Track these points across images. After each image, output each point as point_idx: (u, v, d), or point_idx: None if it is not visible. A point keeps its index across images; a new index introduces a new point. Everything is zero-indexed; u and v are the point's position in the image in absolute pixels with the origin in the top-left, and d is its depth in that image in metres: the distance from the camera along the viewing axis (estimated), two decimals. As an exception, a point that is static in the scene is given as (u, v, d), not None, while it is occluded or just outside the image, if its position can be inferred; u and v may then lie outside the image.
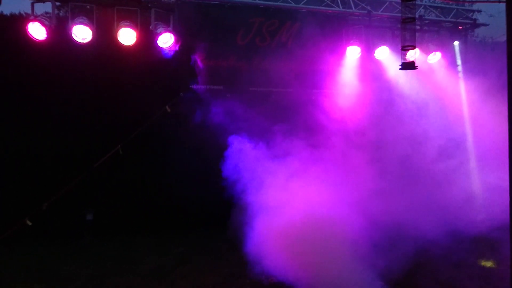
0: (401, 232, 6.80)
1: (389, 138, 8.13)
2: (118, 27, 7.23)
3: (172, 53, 7.74)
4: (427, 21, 9.30)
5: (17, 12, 8.35)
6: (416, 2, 8.61)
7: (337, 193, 6.85)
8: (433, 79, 9.34)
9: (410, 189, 7.79)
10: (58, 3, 7.57)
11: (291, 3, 8.21)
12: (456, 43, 9.32)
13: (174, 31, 7.50)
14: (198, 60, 8.00)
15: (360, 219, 6.55)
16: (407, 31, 4.10)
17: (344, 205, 6.66)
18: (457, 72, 9.36)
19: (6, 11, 8.21)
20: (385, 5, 8.61)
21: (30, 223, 7.46)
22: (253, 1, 7.98)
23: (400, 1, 4.39)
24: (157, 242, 8.22)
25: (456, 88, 9.26)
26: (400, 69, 4.68)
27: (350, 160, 7.60)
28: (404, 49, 4.30)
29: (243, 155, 7.27)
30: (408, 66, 4.44)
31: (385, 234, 6.63)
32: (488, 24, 9.57)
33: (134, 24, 7.29)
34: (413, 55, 4.31)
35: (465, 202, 8.18)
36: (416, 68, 4.67)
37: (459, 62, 9.41)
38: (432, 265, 6.66)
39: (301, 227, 6.36)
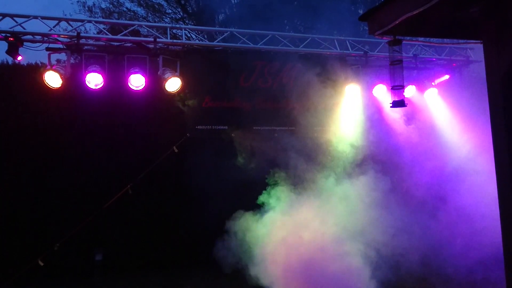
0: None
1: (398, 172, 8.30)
2: (128, 73, 7.64)
3: (179, 96, 8.12)
4: (422, 59, 9.69)
5: (33, 62, 8.92)
6: (411, 42, 9.10)
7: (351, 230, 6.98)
8: (432, 113, 9.64)
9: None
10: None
11: (291, 47, 8.65)
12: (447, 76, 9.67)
13: (181, 76, 7.87)
14: (204, 102, 8.35)
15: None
16: (395, 72, 4.42)
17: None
18: (455, 105, 9.56)
19: (23, 61, 8.75)
20: (381, 45, 9.03)
21: (42, 264, 7.64)
22: (255, 46, 8.41)
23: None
24: (166, 280, 8.32)
25: (458, 120, 9.42)
26: (390, 107, 4.98)
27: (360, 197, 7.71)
28: (394, 88, 4.61)
29: None
30: (398, 104, 4.73)
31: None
32: (481, 61, 9.90)
33: (143, 70, 7.69)
34: (403, 93, 4.63)
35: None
36: (406, 106, 4.97)
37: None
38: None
39: (314, 263, 6.48)
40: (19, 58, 7.19)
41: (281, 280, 6.65)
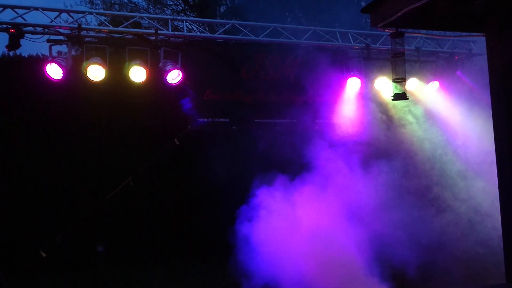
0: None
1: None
2: (130, 66, 7.61)
3: (180, 88, 8.10)
4: (424, 52, 9.63)
5: (34, 54, 8.91)
6: (413, 35, 9.05)
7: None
8: (433, 106, 9.61)
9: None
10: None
11: (292, 39, 8.60)
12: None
13: (182, 68, 7.84)
14: (205, 94, 8.33)
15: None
16: (397, 65, 4.40)
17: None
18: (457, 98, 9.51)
19: (24, 53, 8.77)
20: (383, 38, 8.98)
21: (44, 255, 7.70)
22: (257, 38, 8.36)
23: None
24: (168, 273, 8.36)
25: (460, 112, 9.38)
26: (392, 99, 4.98)
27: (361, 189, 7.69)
28: (395, 81, 4.60)
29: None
30: (399, 96, 4.72)
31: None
32: (483, 54, 9.83)
33: (144, 63, 7.66)
34: (404, 86, 4.61)
35: None
36: (408, 99, 4.96)
37: None
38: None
39: (316, 255, 6.49)
40: None
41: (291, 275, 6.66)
